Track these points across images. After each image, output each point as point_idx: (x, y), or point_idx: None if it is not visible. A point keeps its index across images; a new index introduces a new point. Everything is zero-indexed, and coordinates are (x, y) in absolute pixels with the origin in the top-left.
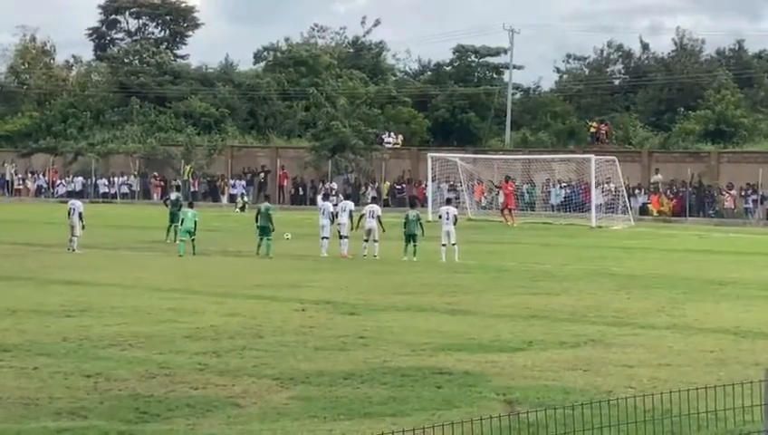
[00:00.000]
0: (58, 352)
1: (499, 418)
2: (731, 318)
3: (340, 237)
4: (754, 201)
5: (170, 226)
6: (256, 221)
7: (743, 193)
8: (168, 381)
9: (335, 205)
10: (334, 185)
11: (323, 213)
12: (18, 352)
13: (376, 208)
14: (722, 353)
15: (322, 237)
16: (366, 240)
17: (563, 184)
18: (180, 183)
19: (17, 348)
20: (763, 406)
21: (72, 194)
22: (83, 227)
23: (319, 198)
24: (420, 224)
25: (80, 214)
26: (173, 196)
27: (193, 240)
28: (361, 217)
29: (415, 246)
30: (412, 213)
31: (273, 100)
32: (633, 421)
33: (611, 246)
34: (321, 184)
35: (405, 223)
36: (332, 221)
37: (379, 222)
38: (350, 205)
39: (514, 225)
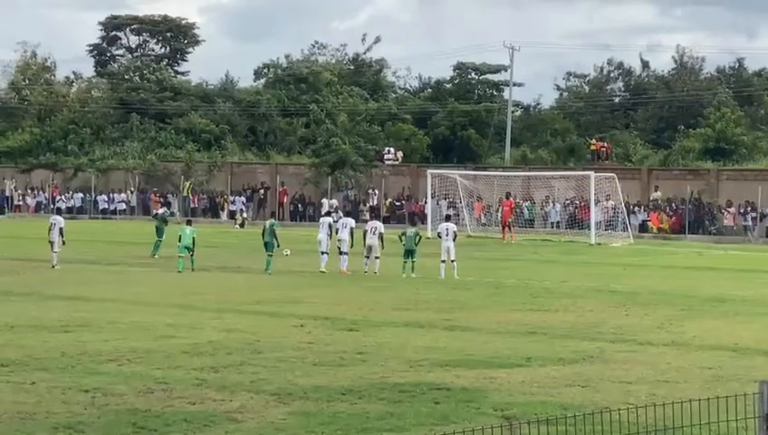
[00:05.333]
0: (56, 367)
1: (501, 428)
2: (729, 335)
3: (340, 253)
4: (753, 219)
5: (157, 241)
6: (263, 237)
7: (742, 211)
8: (166, 396)
9: (335, 221)
10: (334, 202)
11: (322, 227)
12: (16, 368)
13: (378, 225)
14: (720, 370)
15: (322, 253)
16: (367, 256)
17: (567, 201)
18: (173, 199)
19: (15, 363)
20: (757, 419)
21: (70, 210)
22: (63, 243)
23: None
24: (417, 241)
25: (60, 229)
26: (161, 211)
27: (192, 256)
28: (364, 234)
29: (413, 262)
30: (411, 230)
31: (273, 116)
32: (632, 433)
33: (611, 263)
34: (323, 200)
35: (402, 239)
36: (331, 236)
37: (381, 239)
38: (351, 222)
39: (512, 241)
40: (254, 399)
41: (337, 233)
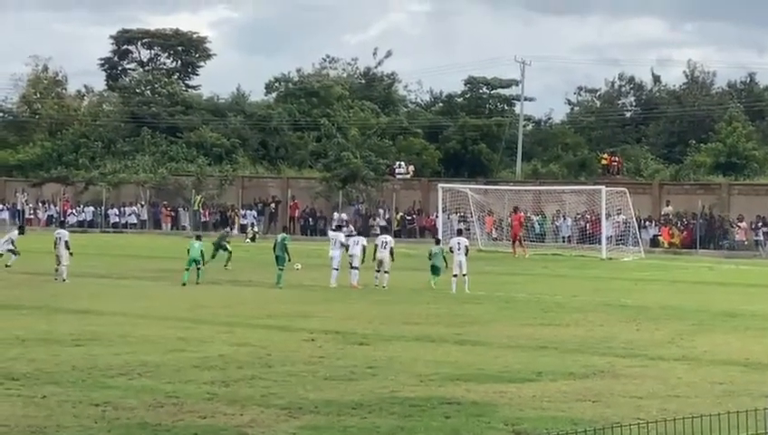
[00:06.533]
0: (66, 381)
1: None
2: (740, 350)
3: (351, 268)
4: (765, 234)
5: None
6: (274, 251)
7: (753, 226)
8: (177, 410)
9: (347, 236)
10: (344, 215)
11: (334, 244)
12: (27, 381)
13: (389, 239)
14: (731, 385)
15: (333, 268)
16: (378, 270)
17: (578, 215)
18: (184, 213)
19: (26, 377)
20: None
21: (81, 223)
22: (71, 254)
23: (330, 229)
24: (444, 257)
25: (65, 243)
26: (224, 231)
27: (199, 269)
28: (375, 247)
29: (435, 278)
30: (436, 247)
31: (284, 130)
32: None
33: (621, 277)
34: (334, 214)
35: (431, 257)
36: (345, 251)
37: (391, 253)
38: (362, 240)
39: (526, 256)
40: (265, 413)
41: (348, 249)
